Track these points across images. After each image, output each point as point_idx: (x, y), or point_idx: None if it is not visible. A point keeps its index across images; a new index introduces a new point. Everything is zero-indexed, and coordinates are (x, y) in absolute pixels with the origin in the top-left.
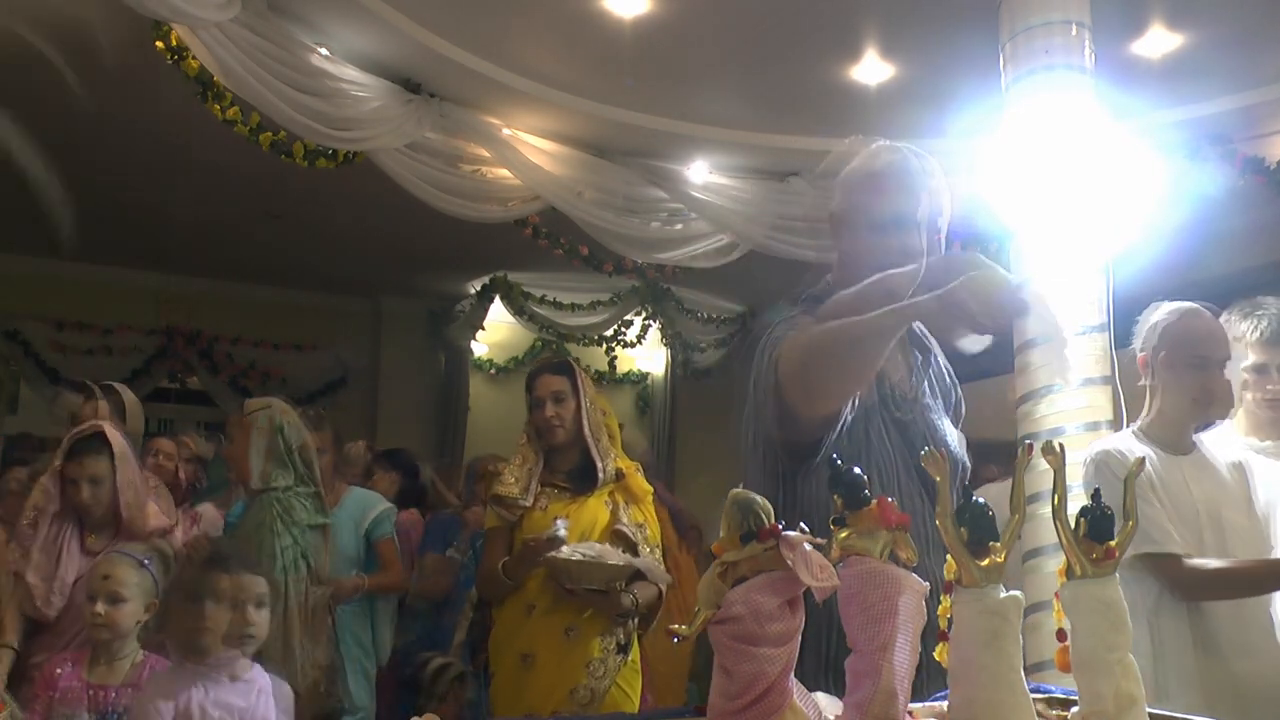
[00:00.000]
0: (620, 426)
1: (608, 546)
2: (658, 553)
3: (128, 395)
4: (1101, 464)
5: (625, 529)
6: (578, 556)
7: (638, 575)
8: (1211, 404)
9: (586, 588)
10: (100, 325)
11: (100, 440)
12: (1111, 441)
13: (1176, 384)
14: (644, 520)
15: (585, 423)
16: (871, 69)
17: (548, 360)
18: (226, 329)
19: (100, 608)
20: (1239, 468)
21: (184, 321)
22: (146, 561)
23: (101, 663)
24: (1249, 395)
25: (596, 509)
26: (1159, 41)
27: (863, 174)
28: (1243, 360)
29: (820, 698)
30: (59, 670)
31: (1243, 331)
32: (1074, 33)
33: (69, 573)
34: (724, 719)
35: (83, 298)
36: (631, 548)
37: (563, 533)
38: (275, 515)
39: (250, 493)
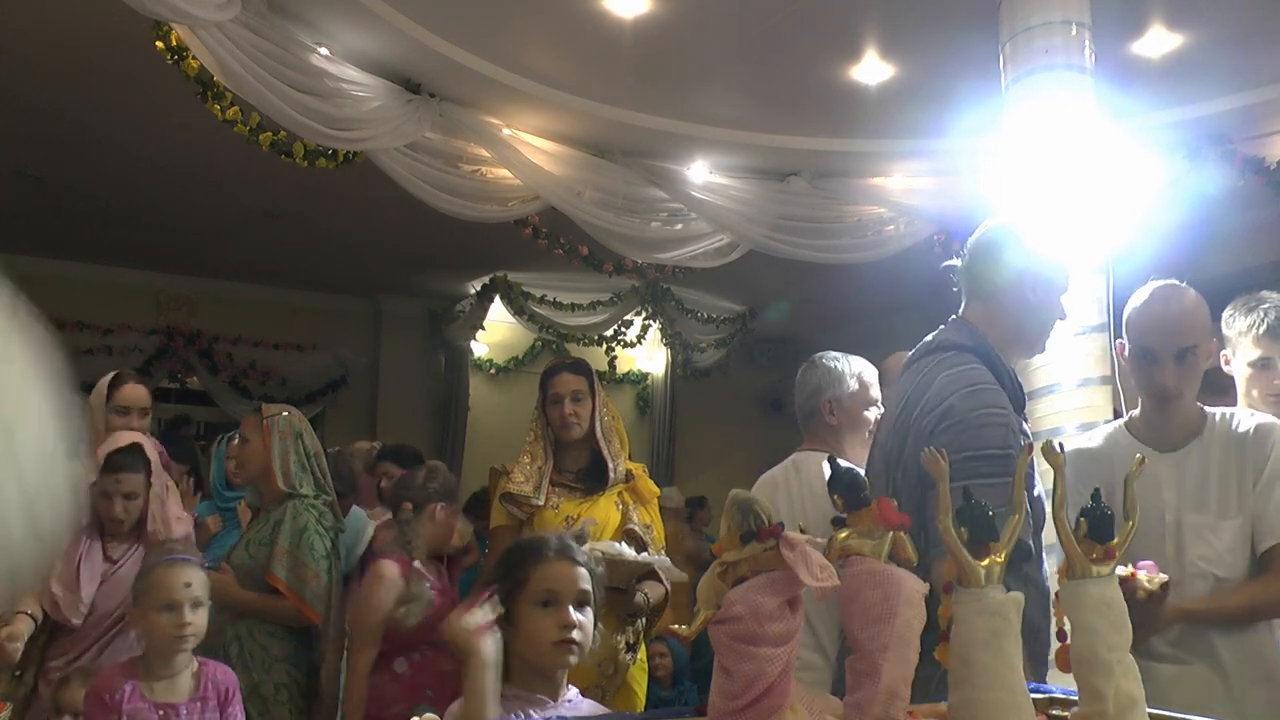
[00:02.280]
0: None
1: (624, 545)
2: (663, 554)
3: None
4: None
5: (636, 529)
6: (599, 554)
7: (647, 574)
8: (1164, 398)
9: (607, 586)
10: (100, 325)
11: (138, 455)
12: (1086, 436)
13: (1133, 377)
14: (650, 522)
15: (598, 423)
16: (871, 69)
17: (564, 359)
18: (226, 329)
19: (189, 615)
20: (1253, 439)
21: (184, 321)
22: (206, 564)
23: (161, 677)
24: (1254, 391)
25: (608, 509)
26: (1159, 41)
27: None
28: (1246, 355)
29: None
30: (118, 693)
31: (1245, 326)
32: (1074, 33)
33: (90, 582)
34: (724, 719)
35: (83, 298)
36: (642, 548)
37: (588, 532)
38: (315, 519)
39: (274, 495)
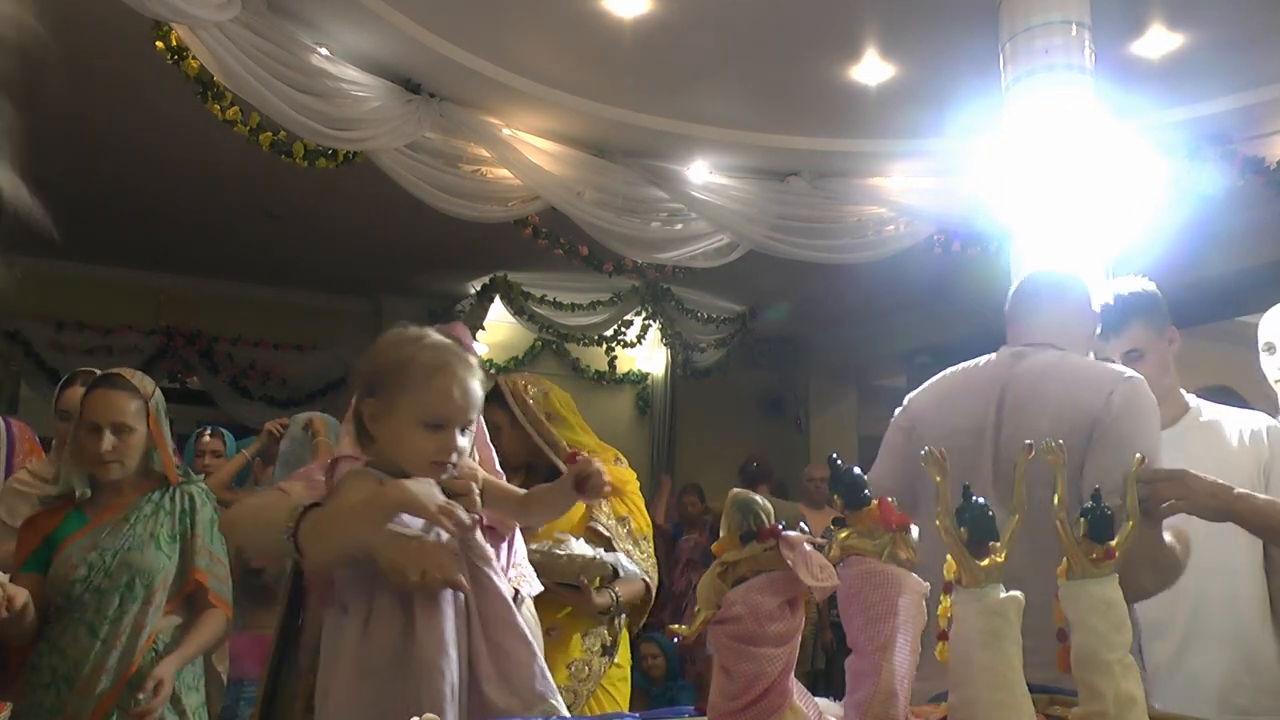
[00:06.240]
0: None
1: (572, 540)
2: (646, 545)
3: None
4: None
5: (599, 526)
6: (536, 555)
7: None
8: None
9: (558, 583)
10: (100, 325)
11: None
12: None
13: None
14: (627, 512)
15: (530, 431)
16: (871, 69)
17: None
18: (226, 329)
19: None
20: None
21: (184, 321)
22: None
23: None
24: None
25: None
26: (1159, 41)
27: None
28: None
29: (822, 702)
30: None
31: None
32: (1074, 33)
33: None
34: (724, 719)
35: (83, 298)
36: (606, 544)
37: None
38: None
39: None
